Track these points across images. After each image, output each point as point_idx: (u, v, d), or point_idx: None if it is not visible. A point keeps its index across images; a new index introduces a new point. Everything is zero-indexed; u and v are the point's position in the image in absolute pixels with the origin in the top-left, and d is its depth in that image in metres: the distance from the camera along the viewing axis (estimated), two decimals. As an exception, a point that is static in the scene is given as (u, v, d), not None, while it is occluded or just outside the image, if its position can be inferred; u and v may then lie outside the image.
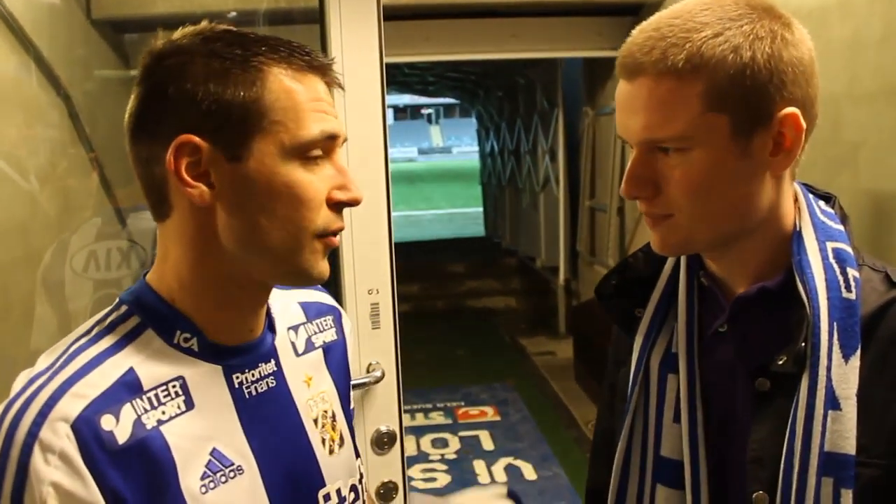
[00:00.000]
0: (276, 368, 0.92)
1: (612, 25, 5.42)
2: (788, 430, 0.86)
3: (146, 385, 0.80)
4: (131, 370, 0.80)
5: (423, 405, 5.55)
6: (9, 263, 2.42)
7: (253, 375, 0.89)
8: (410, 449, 4.81)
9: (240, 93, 0.80)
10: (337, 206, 0.85)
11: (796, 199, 0.94)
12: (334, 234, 0.86)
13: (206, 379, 0.85)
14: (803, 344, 0.86)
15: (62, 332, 2.38)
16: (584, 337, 5.71)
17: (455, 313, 8.48)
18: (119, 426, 0.76)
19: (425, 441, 4.96)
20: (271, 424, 0.89)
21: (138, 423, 0.78)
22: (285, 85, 0.82)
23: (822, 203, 0.95)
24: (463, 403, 5.62)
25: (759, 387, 0.90)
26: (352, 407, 1.08)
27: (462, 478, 4.46)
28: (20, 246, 2.49)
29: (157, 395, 0.81)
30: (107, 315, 0.85)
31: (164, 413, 0.80)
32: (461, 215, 17.56)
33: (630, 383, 1.02)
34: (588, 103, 6.72)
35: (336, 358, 1.03)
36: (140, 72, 0.83)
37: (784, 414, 0.87)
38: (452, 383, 6.02)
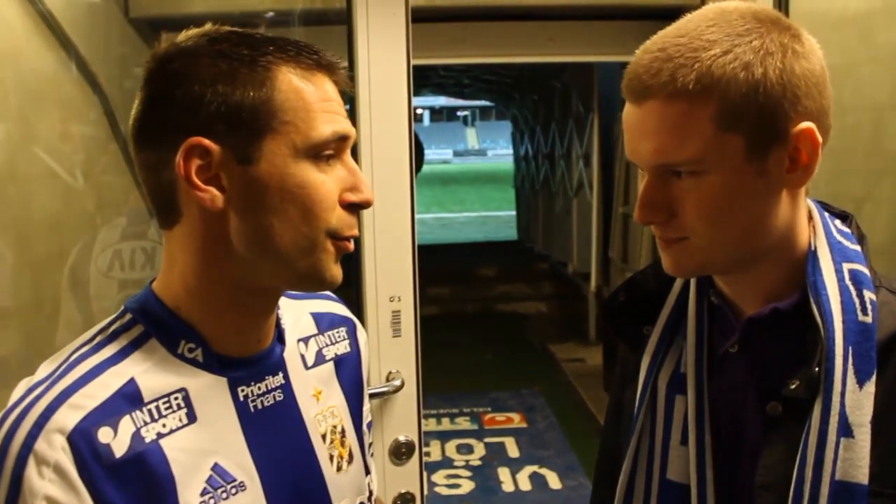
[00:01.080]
0: (283, 381, 0.89)
1: (650, 30, 5.27)
2: (799, 456, 0.83)
3: (147, 396, 0.78)
4: (132, 381, 0.78)
5: (449, 409, 5.51)
6: (42, 259, 2.44)
7: (259, 388, 0.86)
8: (435, 454, 4.78)
9: (249, 93, 0.78)
10: (350, 208, 0.83)
11: (810, 217, 0.90)
12: (348, 239, 0.84)
13: (209, 391, 0.82)
14: (817, 369, 0.82)
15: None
16: (615, 345, 5.62)
17: (485, 317, 8.43)
18: (116, 439, 0.74)
19: (450, 446, 4.92)
20: (277, 439, 0.87)
21: (137, 436, 0.76)
22: (294, 84, 0.80)
23: (837, 222, 0.92)
24: (490, 409, 5.57)
25: (771, 411, 0.87)
26: (368, 420, 1.04)
27: (486, 485, 4.42)
28: (54, 241, 2.51)
29: (157, 408, 0.78)
30: (110, 323, 0.83)
31: (164, 426, 0.78)
32: (494, 218, 17.50)
33: (636, 403, 0.98)
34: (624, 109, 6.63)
35: (348, 371, 1.00)
36: (144, 76, 0.82)
37: (795, 439, 0.83)
38: (480, 388, 5.98)
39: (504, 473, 4.55)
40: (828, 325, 0.82)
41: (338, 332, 1.01)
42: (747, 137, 0.81)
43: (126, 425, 0.75)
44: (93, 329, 0.84)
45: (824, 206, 0.93)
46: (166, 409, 0.79)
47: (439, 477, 4.49)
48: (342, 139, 0.82)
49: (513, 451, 4.87)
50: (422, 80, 9.32)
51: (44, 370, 0.79)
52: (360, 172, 0.84)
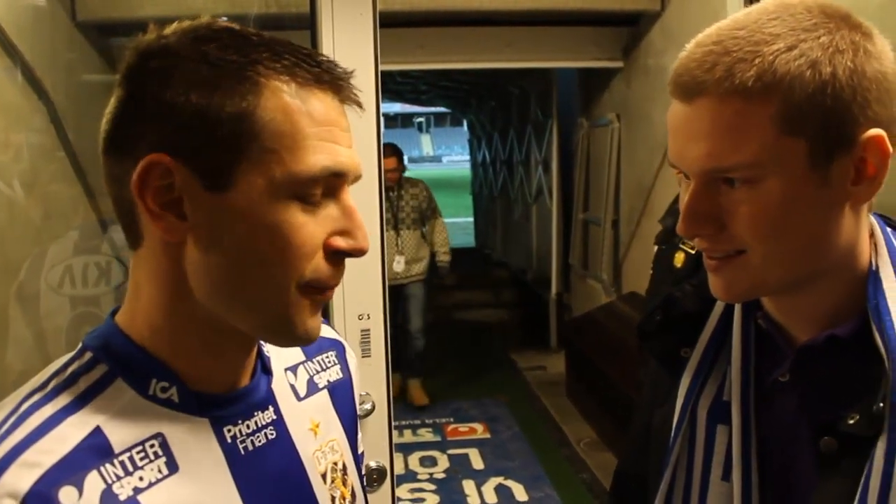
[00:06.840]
0: (275, 417, 0.79)
1: (609, 36, 5.34)
2: (858, 500, 0.75)
3: (117, 447, 0.67)
4: (98, 430, 0.67)
5: (411, 421, 5.42)
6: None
7: (248, 427, 0.76)
8: (398, 467, 4.67)
9: (227, 108, 0.66)
10: (335, 256, 0.71)
11: (872, 233, 0.83)
12: (328, 288, 0.72)
13: (190, 435, 0.72)
14: (881, 404, 0.74)
15: (38, 350, 2.29)
16: (577, 352, 5.61)
17: (444, 325, 8.35)
18: (83, 499, 0.63)
19: (413, 459, 4.83)
20: (273, 484, 0.77)
21: (108, 494, 0.65)
22: (284, 102, 0.68)
23: None
24: (452, 420, 5.49)
25: (824, 447, 0.78)
26: (360, 451, 0.95)
27: (451, 498, 4.33)
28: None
29: (131, 459, 0.68)
30: (67, 364, 0.72)
31: (141, 479, 0.67)
32: (451, 225, 17.40)
33: (672, 432, 0.90)
34: (583, 114, 6.63)
35: (343, 399, 0.91)
36: (123, 71, 0.70)
37: (854, 481, 0.75)
38: (441, 398, 5.88)
39: (469, 486, 4.47)
40: (892, 353, 0.75)
41: (327, 357, 0.91)
42: (811, 142, 0.73)
43: (93, 483, 0.65)
44: (46, 371, 0.73)
45: (886, 221, 0.86)
46: (142, 459, 0.68)
47: (403, 491, 4.38)
48: (336, 176, 0.70)
49: (477, 462, 4.79)
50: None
51: None
52: (357, 215, 0.72)
